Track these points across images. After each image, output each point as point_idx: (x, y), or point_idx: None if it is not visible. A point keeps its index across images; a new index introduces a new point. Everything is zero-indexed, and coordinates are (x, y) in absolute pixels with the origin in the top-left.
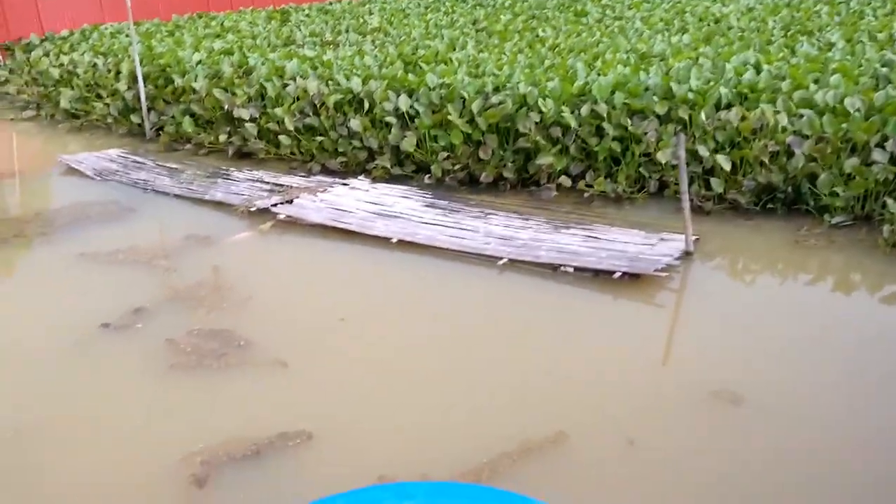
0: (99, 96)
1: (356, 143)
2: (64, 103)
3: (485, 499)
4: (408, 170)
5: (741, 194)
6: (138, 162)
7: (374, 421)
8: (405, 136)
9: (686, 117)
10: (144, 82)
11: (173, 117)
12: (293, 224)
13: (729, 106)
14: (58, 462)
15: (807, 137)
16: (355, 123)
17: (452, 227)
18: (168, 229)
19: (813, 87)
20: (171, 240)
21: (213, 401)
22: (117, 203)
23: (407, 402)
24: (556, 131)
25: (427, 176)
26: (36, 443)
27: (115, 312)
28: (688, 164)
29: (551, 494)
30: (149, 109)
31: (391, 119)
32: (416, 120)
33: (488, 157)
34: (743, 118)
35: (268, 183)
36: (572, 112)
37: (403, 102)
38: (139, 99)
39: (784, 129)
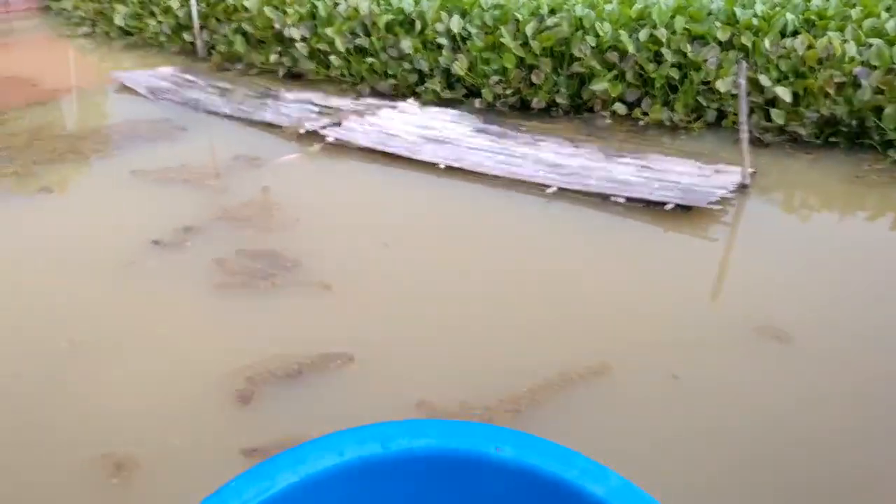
0: (152, 13)
1: (406, 65)
2: (118, 20)
3: (502, 439)
4: (458, 94)
5: (802, 127)
6: (190, 81)
7: (415, 346)
8: (456, 59)
9: (749, 44)
10: (196, 0)
11: (225, 36)
12: (341, 147)
13: (795, 33)
14: (109, 374)
15: (875, 68)
16: (406, 45)
17: (502, 154)
18: (218, 149)
19: (884, 15)
20: (221, 159)
21: (259, 320)
22: (169, 122)
23: (448, 329)
24: (613, 56)
25: (477, 100)
26: (89, 354)
27: (166, 230)
28: (748, 94)
29: (592, 424)
30: (201, 28)
31: (443, 41)
32: (467, 42)
33: (541, 82)
34: (809, 47)
35: (317, 105)
36: (630, 36)
37: (456, 24)
38: (191, 17)
39: (851, 59)
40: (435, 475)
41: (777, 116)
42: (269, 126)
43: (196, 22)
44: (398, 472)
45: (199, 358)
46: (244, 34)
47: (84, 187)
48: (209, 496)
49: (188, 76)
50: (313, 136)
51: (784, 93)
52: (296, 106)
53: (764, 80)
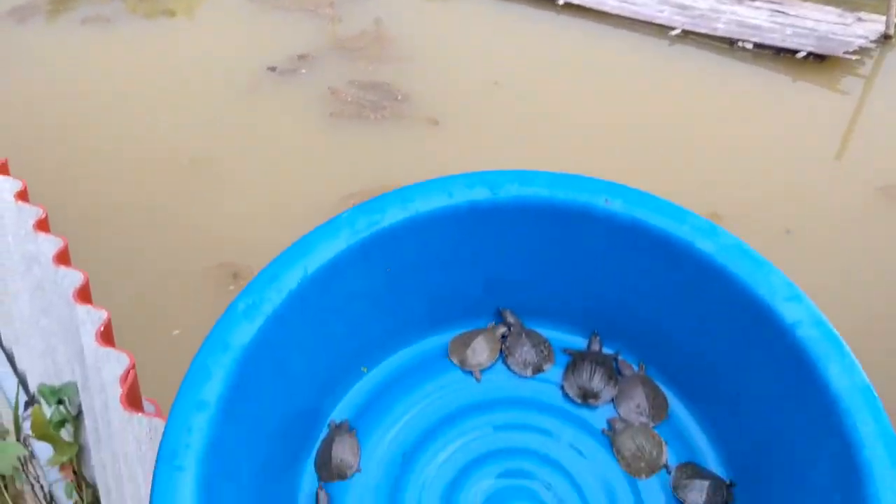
0: None
1: None
2: None
3: (613, 192)
4: None
5: None
6: None
7: None
8: None
9: None
10: None
11: None
12: None
13: None
14: (225, 192)
15: None
16: None
17: None
18: None
19: None
20: None
21: (368, 150)
22: None
23: (555, 168)
24: None
25: None
26: (207, 172)
27: (281, 57)
28: None
29: None
30: None
31: None
32: None
33: None
34: None
35: None
36: None
37: None
38: None
39: None
40: (543, 224)
41: None
42: None
43: None
44: (506, 219)
45: (310, 182)
46: None
47: (205, 11)
48: (323, 224)
49: None
50: None
51: None
52: None
53: None
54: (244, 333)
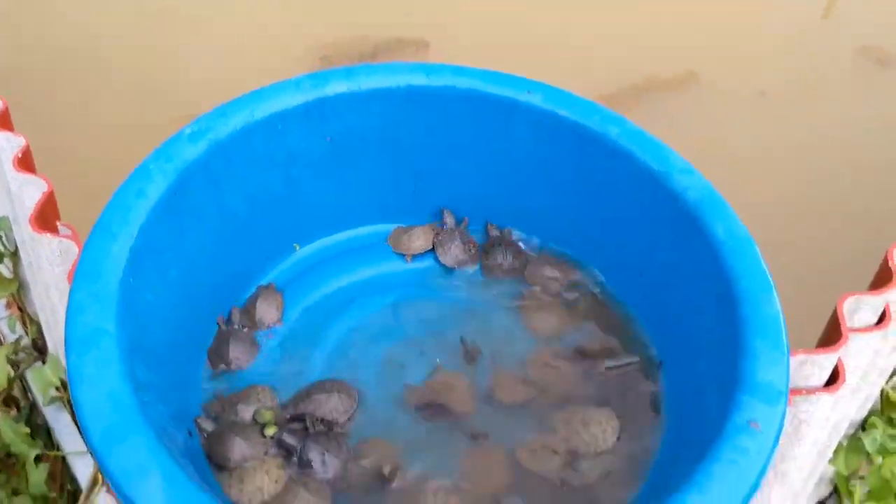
0: None
1: None
2: None
3: (534, 88)
4: None
5: None
6: None
7: (495, 41)
8: None
9: None
10: None
11: None
12: None
13: None
14: (191, 42)
15: None
16: None
17: None
18: None
19: None
20: None
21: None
22: None
23: (531, 27)
24: None
25: None
26: (169, 23)
27: None
28: None
29: (673, 125)
30: None
31: None
32: None
33: None
34: None
35: None
36: None
37: None
38: None
39: None
40: (469, 113)
41: None
42: None
43: None
44: (440, 106)
45: (279, 32)
46: None
47: None
48: (274, 83)
49: None
50: None
51: None
52: None
53: None
54: (189, 151)
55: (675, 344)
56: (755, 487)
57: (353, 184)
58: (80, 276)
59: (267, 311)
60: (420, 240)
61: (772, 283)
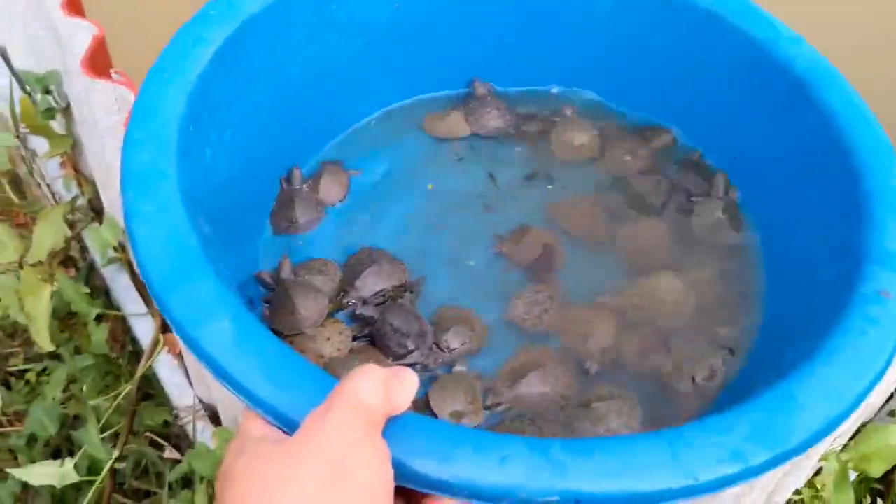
0: None
1: None
2: None
3: None
4: None
5: None
6: None
7: None
8: None
9: None
10: None
11: None
12: None
13: None
14: None
15: None
16: None
17: None
18: None
19: None
20: None
21: None
22: None
23: None
24: None
25: None
26: None
27: None
28: None
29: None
30: None
31: None
32: None
33: None
34: None
35: None
36: None
37: None
38: None
39: None
40: None
41: None
42: None
43: None
44: None
45: None
46: None
47: None
48: None
49: None
50: None
51: None
52: None
53: None
54: (252, 3)
55: (779, 220)
56: (888, 362)
57: (422, 55)
58: (136, 115)
59: (331, 189)
60: (461, 124)
61: (895, 154)
